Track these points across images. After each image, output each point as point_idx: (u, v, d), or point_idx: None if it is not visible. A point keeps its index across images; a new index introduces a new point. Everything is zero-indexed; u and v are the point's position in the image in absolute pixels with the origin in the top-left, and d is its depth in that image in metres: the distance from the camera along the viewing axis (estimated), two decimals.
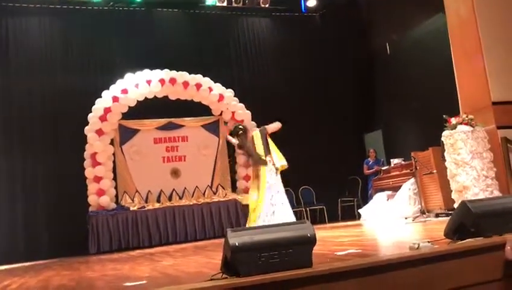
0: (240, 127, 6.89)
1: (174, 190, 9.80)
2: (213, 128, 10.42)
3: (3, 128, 9.17)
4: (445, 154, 6.43)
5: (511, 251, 2.90)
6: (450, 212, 6.19)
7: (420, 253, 2.87)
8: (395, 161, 9.21)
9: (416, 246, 3.02)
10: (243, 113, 10.06)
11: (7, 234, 8.75)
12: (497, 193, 5.92)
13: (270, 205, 6.16)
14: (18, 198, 9.07)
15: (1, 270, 6.91)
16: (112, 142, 9.38)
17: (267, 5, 11.22)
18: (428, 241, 3.11)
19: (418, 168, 7.74)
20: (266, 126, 6.69)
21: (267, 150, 6.44)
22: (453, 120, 6.34)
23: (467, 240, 3.15)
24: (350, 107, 11.10)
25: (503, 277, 2.95)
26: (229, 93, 10.04)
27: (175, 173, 10.02)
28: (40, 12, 9.83)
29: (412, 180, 8.21)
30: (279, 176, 6.41)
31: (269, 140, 6.56)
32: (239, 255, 2.68)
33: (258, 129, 6.82)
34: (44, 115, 9.43)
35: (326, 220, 10.03)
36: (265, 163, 6.33)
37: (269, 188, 6.25)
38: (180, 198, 9.75)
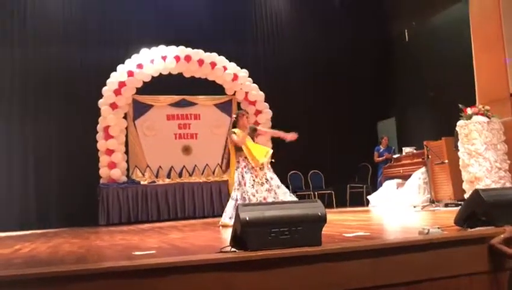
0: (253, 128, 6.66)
1: (184, 166, 9.88)
2: (226, 107, 10.42)
3: (18, 98, 9.25)
4: (459, 144, 6.39)
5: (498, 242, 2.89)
6: (460, 202, 6.16)
7: (430, 238, 2.87)
8: (406, 150, 9.16)
9: (426, 231, 3.01)
10: (257, 94, 10.04)
11: (19, 202, 8.89)
12: (509, 185, 5.88)
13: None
14: (30, 167, 9.18)
15: (13, 236, 7.04)
16: (125, 117, 9.45)
17: None
18: (438, 228, 3.11)
19: (429, 157, 7.69)
20: (258, 127, 6.50)
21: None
22: (469, 110, 6.28)
23: (478, 228, 3.14)
24: (365, 93, 11.01)
25: None
26: (243, 73, 10.01)
27: (186, 150, 10.08)
28: None
29: (423, 169, 8.16)
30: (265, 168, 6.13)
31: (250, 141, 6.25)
32: (249, 229, 2.70)
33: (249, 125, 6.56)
34: (60, 87, 9.47)
35: (335, 205, 10.05)
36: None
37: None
38: (190, 175, 9.83)
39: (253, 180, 5.95)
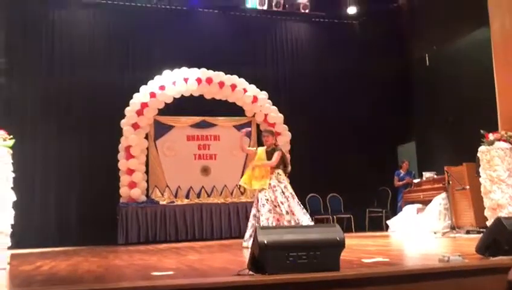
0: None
1: (203, 187, 9.93)
2: (242, 127, 10.45)
3: (43, 116, 9.45)
4: (480, 170, 6.30)
5: None
6: (482, 230, 6.06)
7: (450, 266, 2.83)
8: (427, 175, 9.07)
9: (446, 258, 2.98)
10: (276, 116, 10.10)
11: (40, 219, 9.01)
12: None
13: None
14: (52, 185, 9.32)
15: (34, 252, 7.14)
16: (146, 137, 9.58)
17: (307, 11, 11.21)
18: (459, 255, 3.06)
19: (450, 183, 7.59)
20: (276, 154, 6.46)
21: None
22: (491, 136, 6.21)
23: (500, 257, 3.09)
24: (384, 117, 10.97)
25: None
26: (263, 95, 10.10)
27: (205, 170, 10.14)
28: (87, 5, 10.12)
29: (444, 195, 8.06)
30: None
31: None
32: (267, 253, 2.71)
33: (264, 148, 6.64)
34: (84, 106, 9.66)
35: (353, 229, 9.94)
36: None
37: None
38: (209, 196, 9.87)
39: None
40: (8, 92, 9.24)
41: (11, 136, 4.57)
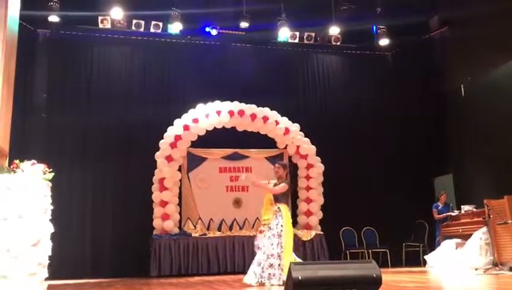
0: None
1: (235, 219, 9.92)
2: (277, 161, 10.44)
3: (80, 150, 9.73)
4: None
5: None
6: None
7: None
8: (465, 208, 8.80)
9: None
10: (308, 148, 10.06)
11: (75, 250, 9.13)
12: None
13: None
14: (87, 217, 9.50)
15: (69, 284, 7.23)
16: (179, 169, 9.70)
17: (338, 43, 11.28)
18: None
19: (491, 216, 7.32)
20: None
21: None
22: None
23: None
24: (420, 148, 10.77)
25: None
26: (294, 127, 10.11)
27: (237, 202, 10.15)
28: (123, 42, 10.50)
29: (484, 229, 7.77)
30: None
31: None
32: (301, 289, 2.66)
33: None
34: (119, 140, 9.91)
35: (389, 264, 9.66)
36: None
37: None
38: (241, 228, 9.84)
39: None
40: (48, 127, 9.62)
41: (51, 170, 4.70)
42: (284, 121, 10.05)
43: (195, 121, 9.51)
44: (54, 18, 9.66)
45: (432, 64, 11.07)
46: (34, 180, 4.50)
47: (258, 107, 9.89)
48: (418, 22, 10.58)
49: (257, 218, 9.96)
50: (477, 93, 9.82)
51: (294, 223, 10.01)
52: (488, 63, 9.44)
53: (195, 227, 9.60)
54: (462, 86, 10.18)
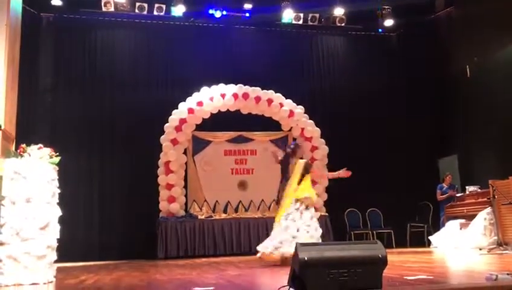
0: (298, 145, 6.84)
1: (240, 201, 9.99)
2: (282, 143, 10.50)
3: (86, 134, 9.78)
4: None
5: None
6: None
7: (499, 285, 2.73)
8: (470, 188, 8.80)
9: (494, 277, 2.87)
10: (312, 130, 10.06)
11: (84, 233, 9.24)
12: None
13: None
14: (94, 200, 9.60)
15: (78, 266, 7.34)
16: (185, 152, 9.73)
17: (343, 24, 11.18)
18: (508, 274, 2.95)
19: (496, 197, 7.33)
20: (313, 165, 6.49)
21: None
22: None
23: None
24: (425, 129, 10.74)
25: None
26: (299, 109, 10.09)
27: (242, 185, 10.21)
28: (127, 25, 10.45)
29: (489, 209, 7.79)
30: (302, 208, 6.13)
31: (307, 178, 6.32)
32: (308, 269, 2.69)
33: (304, 161, 6.69)
34: (124, 124, 9.94)
35: (394, 245, 9.72)
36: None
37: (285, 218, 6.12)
38: (246, 210, 9.92)
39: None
40: (54, 111, 9.66)
41: (57, 154, 4.73)
42: (289, 104, 10.03)
43: (200, 104, 9.51)
44: (57, 1, 9.64)
45: (437, 45, 10.96)
46: (41, 165, 4.54)
47: (262, 89, 9.87)
48: (424, 2, 10.45)
49: (262, 200, 10.03)
50: (483, 74, 9.73)
51: None
52: (495, 43, 9.34)
53: (201, 209, 9.69)
54: (467, 66, 10.09)
